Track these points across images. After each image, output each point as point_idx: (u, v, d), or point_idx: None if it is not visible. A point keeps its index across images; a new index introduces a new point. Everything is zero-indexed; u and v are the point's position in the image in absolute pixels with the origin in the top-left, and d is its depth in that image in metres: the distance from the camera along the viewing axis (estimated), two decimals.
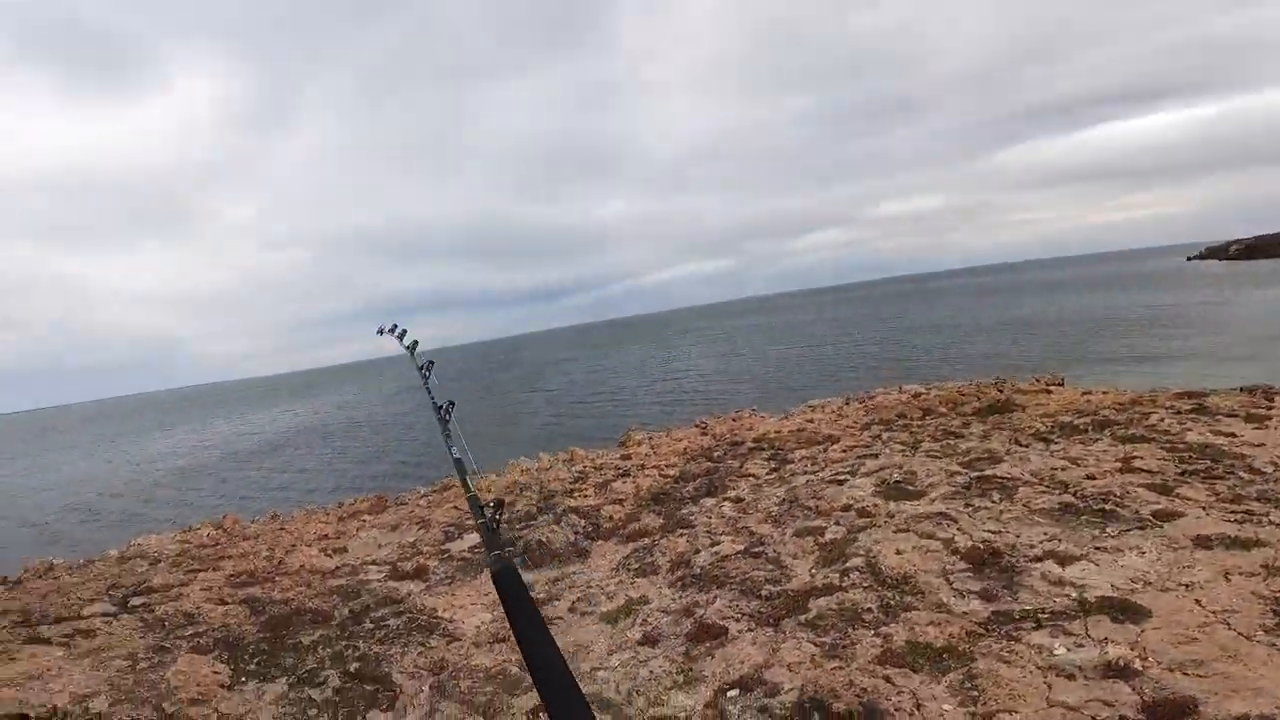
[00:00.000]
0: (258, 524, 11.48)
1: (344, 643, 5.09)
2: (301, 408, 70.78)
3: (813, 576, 4.93)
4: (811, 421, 11.97)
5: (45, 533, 22.87)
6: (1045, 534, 4.89)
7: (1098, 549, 4.48)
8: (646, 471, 9.59)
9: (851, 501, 6.42)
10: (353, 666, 4.69)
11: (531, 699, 3.95)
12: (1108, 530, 4.76)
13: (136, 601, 6.58)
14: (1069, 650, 3.38)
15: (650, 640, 4.43)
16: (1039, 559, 4.47)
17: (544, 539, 7.13)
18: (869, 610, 4.22)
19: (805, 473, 8.16)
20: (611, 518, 7.65)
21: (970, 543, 4.88)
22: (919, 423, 10.11)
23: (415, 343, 2.32)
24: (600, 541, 7.06)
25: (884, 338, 50.20)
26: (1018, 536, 4.89)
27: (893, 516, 5.84)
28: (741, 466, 9.04)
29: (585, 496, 8.69)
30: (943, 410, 10.88)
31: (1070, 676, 3.17)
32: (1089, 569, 4.22)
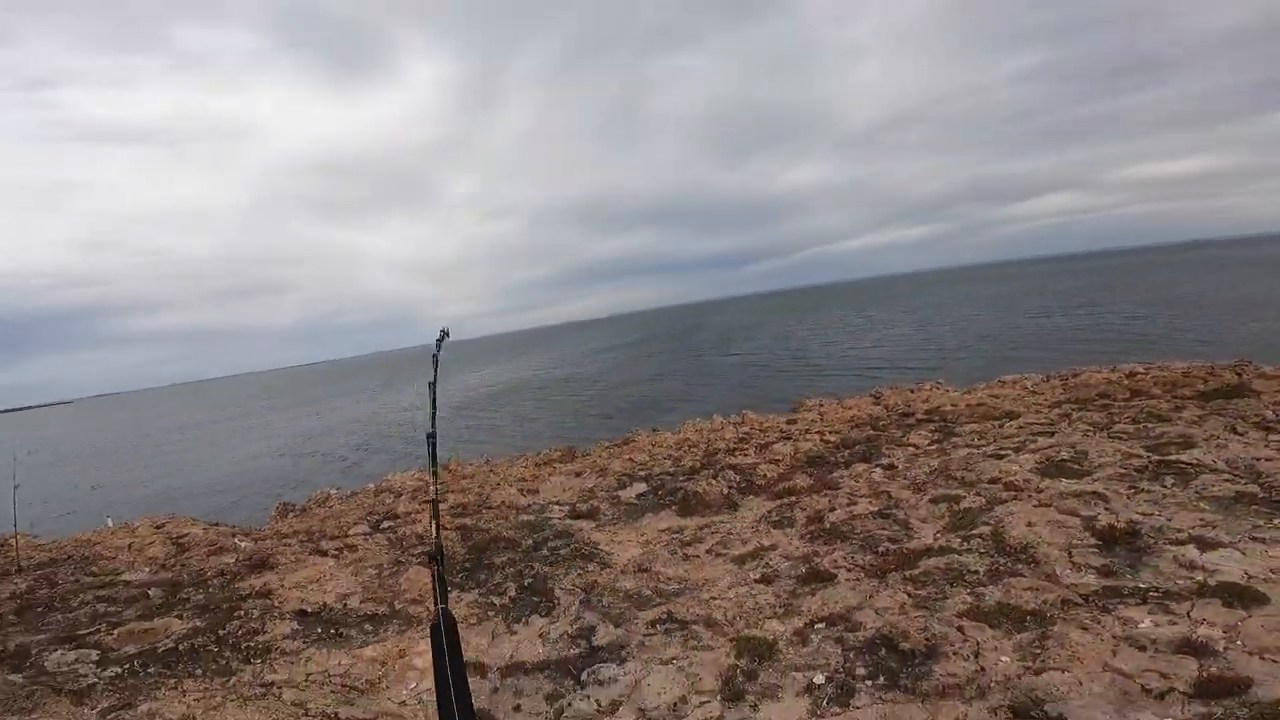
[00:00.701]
0: (474, 466, 13.55)
1: (524, 564, 6.22)
2: (514, 365, 78.42)
3: (934, 540, 5.12)
4: (996, 397, 11.37)
5: (330, 466, 28.34)
6: (1201, 520, 4.60)
7: (1253, 539, 4.19)
8: (809, 437, 9.90)
9: (1002, 475, 6.32)
10: (527, 582, 5.78)
11: (654, 614, 4.71)
12: (1274, 522, 4.38)
13: (385, 525, 8.40)
14: (1155, 626, 3.38)
15: (766, 580, 4.98)
16: (1180, 542, 4.29)
17: (700, 490, 7.86)
18: (974, 573, 4.39)
19: (968, 446, 8.00)
20: (765, 476, 8.16)
21: (1111, 522, 4.75)
22: (1122, 404, 9.27)
23: (444, 332, 2.42)
24: (751, 496, 7.63)
25: (1114, 311, 43.65)
26: (1168, 520, 4.66)
27: (1041, 492, 5.72)
28: (904, 437, 9.03)
29: (745, 455, 9.26)
30: (1156, 393, 9.81)
31: (1141, 648, 3.21)
32: (1231, 556, 4.00)
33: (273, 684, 4.33)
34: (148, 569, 7.39)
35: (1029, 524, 5.02)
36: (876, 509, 5.97)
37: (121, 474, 35.57)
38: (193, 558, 7.67)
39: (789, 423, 11.47)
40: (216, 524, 9.97)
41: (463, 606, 5.35)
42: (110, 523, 10.98)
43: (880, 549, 5.09)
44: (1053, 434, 7.89)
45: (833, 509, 6.25)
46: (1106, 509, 5.03)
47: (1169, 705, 2.92)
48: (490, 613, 5.31)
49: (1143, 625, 3.42)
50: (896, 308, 79.22)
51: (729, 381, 35.74)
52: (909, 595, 4.37)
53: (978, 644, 3.53)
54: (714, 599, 4.82)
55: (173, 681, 4.43)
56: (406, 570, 6.28)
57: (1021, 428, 8.64)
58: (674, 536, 6.46)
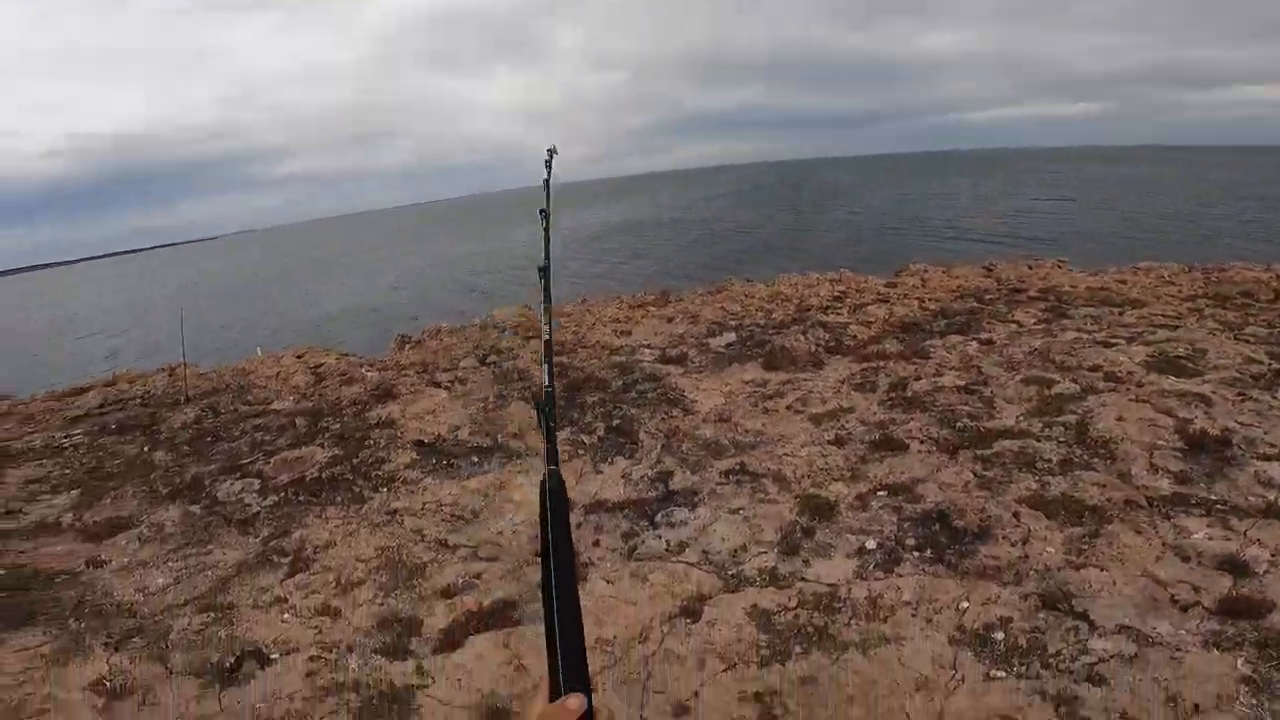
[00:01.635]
0: (571, 306, 14.08)
1: (613, 405, 6.70)
2: (616, 209, 77.70)
3: (1015, 422, 5.18)
4: (1123, 283, 10.58)
5: (442, 300, 30.02)
6: None
7: None
8: (906, 302, 9.71)
9: (1105, 365, 6.14)
10: (615, 423, 6.26)
11: (728, 464, 5.12)
12: None
13: (491, 359, 9.03)
14: (1207, 539, 3.45)
15: (839, 442, 5.26)
16: (1267, 458, 4.19)
17: (788, 346, 8.04)
18: (1046, 461, 4.49)
19: (1078, 330, 7.68)
20: (855, 338, 8.21)
21: (1205, 427, 4.64)
22: (1263, 305, 8.49)
23: (552, 151, 1.79)
24: (838, 356, 7.75)
25: None
26: (1264, 434, 4.51)
27: (1142, 387, 5.57)
28: (1009, 313, 8.71)
29: (838, 315, 9.26)
30: None
31: (1185, 559, 3.33)
32: None
33: (396, 512, 5.10)
34: (292, 398, 8.28)
35: (1119, 418, 4.97)
36: (963, 383, 6.01)
37: (266, 306, 38.77)
38: (328, 387, 8.57)
39: (888, 286, 11.20)
40: (347, 354, 11.03)
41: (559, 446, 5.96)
42: (260, 352, 12.33)
43: (958, 424, 5.21)
44: (1175, 328, 7.42)
45: (918, 378, 6.32)
46: (1206, 413, 4.89)
47: (1187, 618, 3.09)
48: (580, 451, 5.88)
49: (1195, 536, 3.50)
50: (1033, 180, 71.59)
51: (832, 238, 34.42)
52: (975, 474, 4.55)
53: (1029, 532, 3.73)
54: (786, 455, 5.16)
55: (318, 509, 5.26)
56: (509, 405, 6.91)
57: (1142, 318, 8.14)
58: (756, 389, 6.77)
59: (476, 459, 5.96)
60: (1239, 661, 2.82)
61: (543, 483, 1.05)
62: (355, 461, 5.97)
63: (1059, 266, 12.89)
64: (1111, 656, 2.96)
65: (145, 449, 6.93)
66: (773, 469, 5.02)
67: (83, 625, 3.99)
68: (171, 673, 3.53)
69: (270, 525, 5.14)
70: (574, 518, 4.83)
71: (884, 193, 65.46)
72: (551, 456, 1.11)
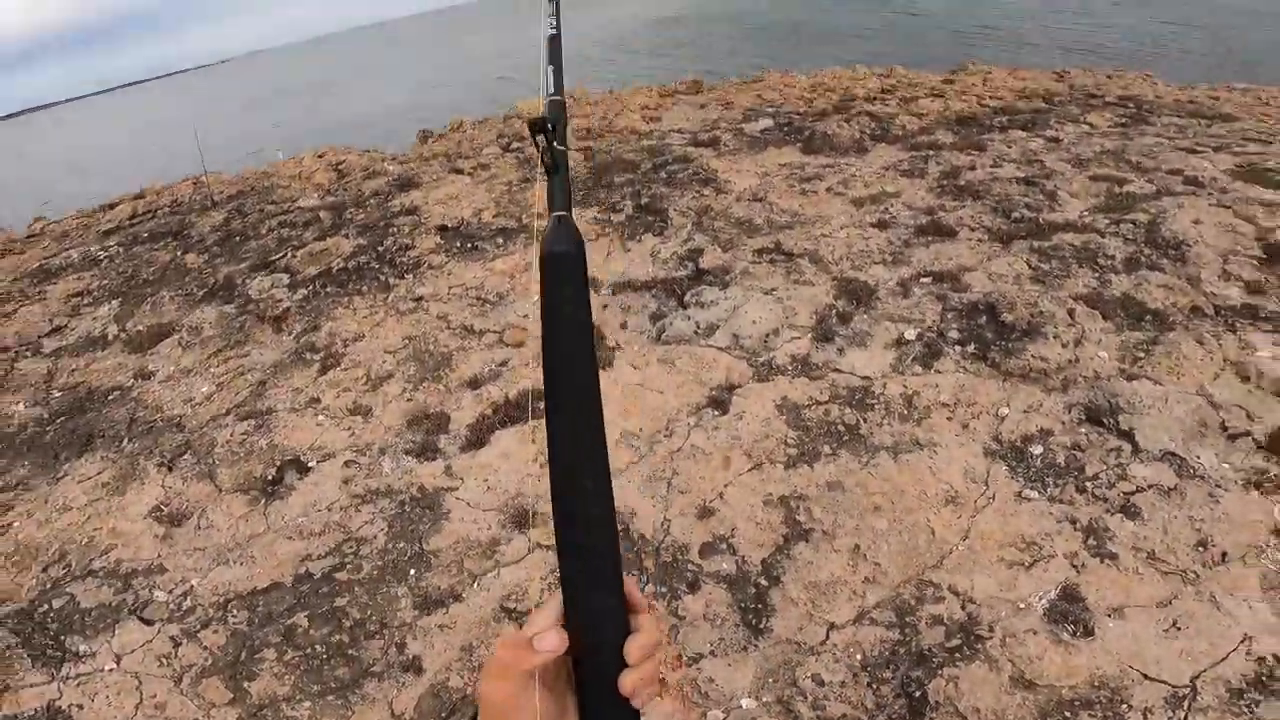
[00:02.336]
0: (599, 93, 12.90)
1: (642, 185, 6.18)
2: (636, 5, 70.20)
3: (1079, 216, 4.69)
4: (1216, 99, 9.43)
5: (467, 96, 27.83)
6: None
7: None
8: (964, 98, 8.72)
9: (1186, 169, 5.49)
10: (644, 201, 5.80)
11: (762, 242, 4.72)
12: None
13: (514, 146, 8.38)
14: (1273, 359, 3.13)
15: (882, 225, 4.81)
16: None
17: (830, 132, 7.29)
18: (1110, 258, 4.07)
19: (1159, 135, 6.88)
20: (904, 127, 7.42)
21: None
22: None
23: None
24: (884, 144, 7.04)
25: None
26: None
27: (1225, 193, 4.98)
28: (1082, 115, 7.80)
29: (886, 105, 8.36)
30: None
31: (1245, 378, 3.05)
32: None
33: (421, 298, 4.84)
34: (316, 195, 7.91)
35: (1195, 221, 4.47)
36: (1023, 175, 5.41)
37: (286, 116, 36.43)
38: (351, 182, 8.11)
39: (944, 82, 10.05)
40: (368, 150, 10.30)
41: (581, 223, 5.50)
42: (281, 155, 11.54)
43: (1014, 215, 4.73)
44: (1270, 143, 6.62)
45: (972, 168, 5.72)
46: None
47: (1234, 449, 2.86)
48: (607, 229, 5.49)
49: (1260, 353, 3.18)
50: None
51: (881, 38, 31.09)
52: (1029, 266, 4.16)
53: (1083, 332, 3.41)
54: (824, 236, 4.75)
55: (345, 300, 5.07)
56: (533, 186, 6.42)
57: (1233, 131, 7.27)
58: (794, 171, 6.19)
59: (501, 240, 5.68)
60: (1276, 509, 2.63)
61: (544, 240, 0.69)
62: (380, 250, 5.75)
63: (1146, 77, 11.52)
64: (1150, 486, 2.80)
65: (178, 253, 6.78)
66: (809, 249, 4.64)
67: (136, 445, 4.07)
68: (220, 490, 3.61)
69: (302, 320, 5.04)
70: (600, 298, 4.57)
71: None
72: (558, 199, 0.73)
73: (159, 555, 3.28)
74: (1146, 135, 6.76)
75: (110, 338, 5.40)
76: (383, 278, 5.39)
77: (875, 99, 8.82)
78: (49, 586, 3.19)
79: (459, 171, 7.50)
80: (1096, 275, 4.04)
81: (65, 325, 5.75)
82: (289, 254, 5.99)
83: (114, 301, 5.98)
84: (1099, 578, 2.51)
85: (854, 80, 10.66)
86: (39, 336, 5.64)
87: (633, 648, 0.61)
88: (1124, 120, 7.57)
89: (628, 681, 0.59)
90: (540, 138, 0.74)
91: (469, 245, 5.65)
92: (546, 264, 0.69)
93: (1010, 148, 6.31)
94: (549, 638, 0.60)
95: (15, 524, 3.62)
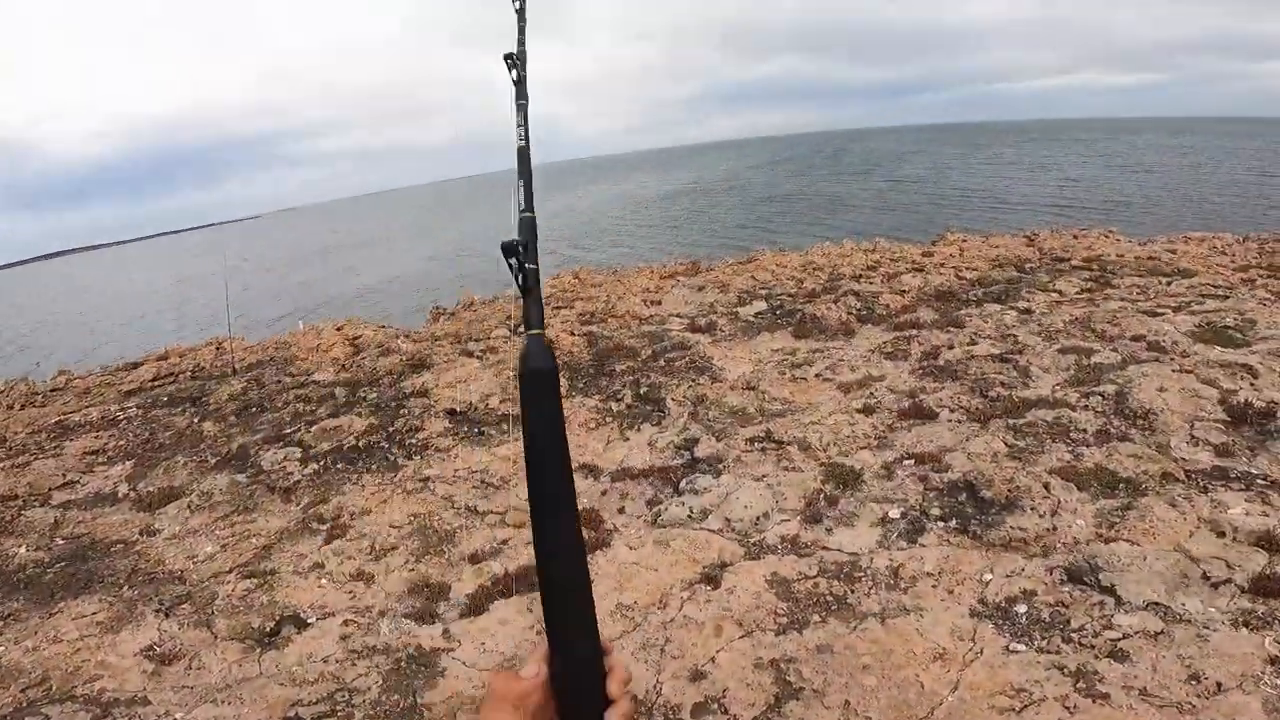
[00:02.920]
0: (602, 275, 14.06)
1: (641, 373, 6.70)
2: (650, 180, 76.97)
3: (1051, 392, 5.06)
4: (1174, 253, 10.19)
5: (477, 270, 30.25)
6: None
7: None
8: (942, 271, 9.50)
9: (1149, 334, 5.95)
10: (643, 390, 6.27)
11: (754, 431, 5.12)
12: None
13: (520, 329, 9.08)
14: (1245, 515, 3.35)
15: (867, 410, 5.21)
16: None
17: (819, 314, 7.95)
18: (1082, 432, 4.39)
19: (1123, 299, 7.44)
20: (888, 306, 8.07)
21: (1250, 399, 4.48)
22: None
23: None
24: (870, 325, 7.64)
25: None
26: None
27: (1187, 357, 5.39)
28: (1051, 282, 8.47)
29: (870, 284, 9.10)
30: None
31: (1220, 534, 3.24)
32: None
33: (429, 479, 5.20)
34: (332, 369, 8.37)
35: (1160, 389, 4.82)
36: (998, 352, 5.88)
37: (311, 279, 39.54)
38: (366, 358, 8.65)
39: (924, 255, 10.95)
40: (383, 326, 11.18)
41: (583, 411, 5.99)
42: (302, 325, 12.57)
43: (990, 393, 5.12)
44: (1225, 298, 7.15)
45: (951, 346, 6.21)
46: (1252, 384, 4.72)
47: (1218, 595, 3.01)
48: (608, 418, 5.92)
49: (1233, 511, 3.41)
50: (1082, 151, 68.76)
51: (868, 207, 33.69)
52: (1006, 445, 4.47)
53: (1059, 503, 3.67)
54: (813, 423, 5.13)
55: (355, 477, 5.37)
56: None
57: (1191, 287, 7.85)
58: (785, 357, 6.72)
59: (507, 426, 6.05)
60: (1267, 640, 2.75)
61: (521, 358, 0.80)
62: (391, 430, 6.09)
63: (1107, 235, 12.46)
64: (1136, 633, 2.91)
65: (195, 420, 7.11)
66: (798, 437, 5.00)
67: (136, 592, 4.15)
68: (216, 637, 3.69)
69: (310, 493, 5.29)
70: (600, 485, 4.88)
71: (924, 161, 63.85)
72: (532, 318, 0.83)
73: (145, 689, 3.27)
74: (1111, 300, 7.33)
75: (120, 495, 5.52)
76: (392, 457, 5.67)
77: (861, 276, 9.63)
78: (24, 705, 3.18)
79: (469, 354, 8.05)
80: (1070, 449, 4.33)
81: (77, 480, 5.87)
82: (303, 428, 6.26)
83: (128, 462, 6.16)
84: (1092, 716, 2.57)
85: (842, 257, 11.64)
86: (50, 489, 5.67)
87: (613, 685, 0.75)
88: (1089, 284, 8.21)
89: (615, 716, 0.73)
90: (513, 260, 0.82)
91: (475, 430, 6.03)
92: (525, 380, 0.80)
93: (986, 322, 6.86)
94: (531, 667, 0.76)
95: (1, 649, 3.62)
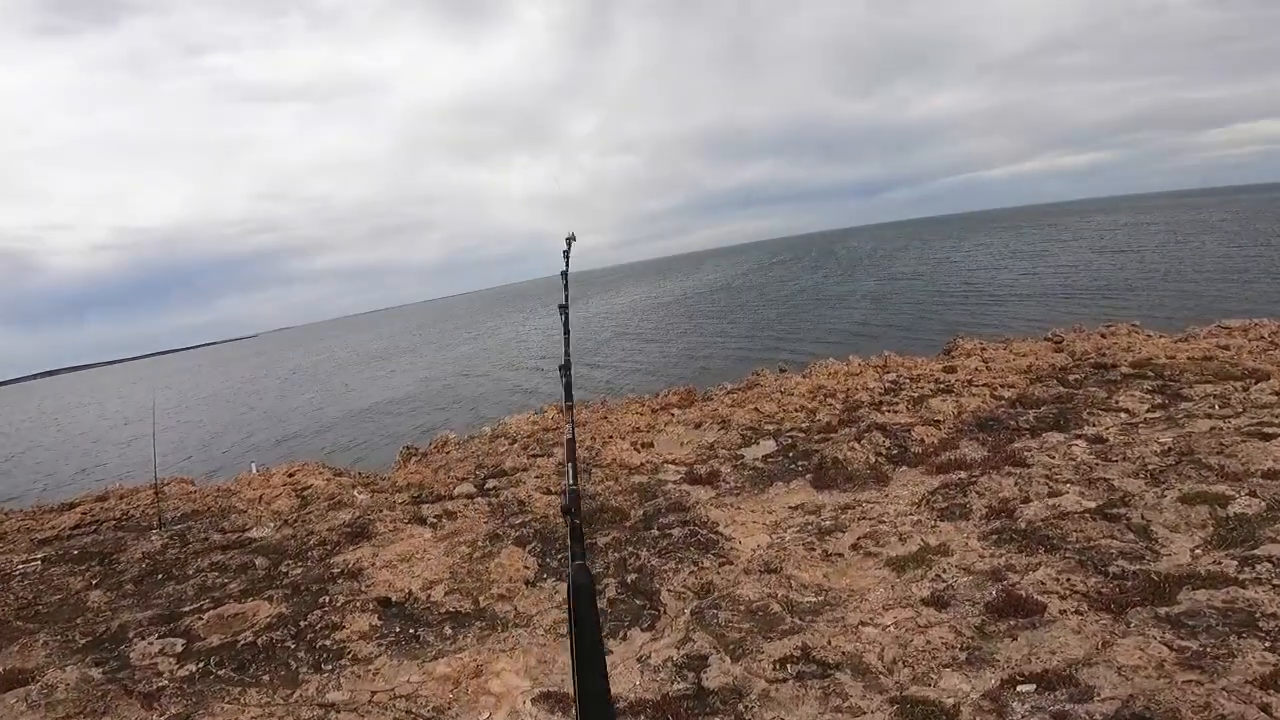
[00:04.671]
0: (587, 411, 12.80)
1: (630, 548, 5.20)
2: (639, 293, 78.35)
3: (1195, 559, 3.61)
4: (1226, 348, 9.01)
5: (457, 402, 29.32)
6: None
7: None
8: (974, 389, 8.23)
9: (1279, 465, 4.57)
10: (630, 578, 4.75)
11: (785, 646, 3.60)
12: None
13: (490, 484, 7.60)
14: None
15: (939, 602, 3.71)
16: None
17: (841, 457, 6.58)
18: (1272, 616, 2.92)
19: (1209, 415, 6.13)
20: (923, 441, 6.72)
21: None
22: None
23: (570, 239, 2.40)
24: (905, 468, 6.26)
25: None
26: None
27: None
28: (1110, 398, 7.18)
29: (895, 412, 7.79)
30: None
31: None
32: None
33: (333, 705, 3.66)
34: (272, 524, 7.25)
35: None
36: (1094, 505, 4.45)
37: (295, 408, 39.00)
38: (312, 513, 7.40)
39: (946, 371, 9.73)
40: (339, 474, 9.81)
41: (555, 611, 4.51)
42: (254, 469, 11.36)
43: (1111, 569, 3.65)
44: None
45: (1026, 499, 4.79)
46: None
47: None
48: None
49: None
50: (1059, 235, 70.57)
51: (865, 312, 33.26)
52: (1170, 648, 2.98)
53: None
54: (865, 625, 3.63)
55: (236, 690, 3.92)
56: (500, 553, 5.49)
57: (1277, 394, 6.57)
58: (809, 518, 5.28)
59: (449, 630, 4.52)
60: None
61: (569, 579, 1.32)
62: (302, 625, 4.63)
63: (1135, 331, 11.35)
64: None
65: (90, 584, 5.94)
66: (849, 651, 3.48)
67: None
68: None
69: (177, 702, 3.88)
70: None
71: (909, 258, 65.19)
72: (577, 551, 1.38)
73: None
74: (1196, 418, 6.01)
75: None
76: (293, 666, 4.16)
77: (881, 403, 8.34)
78: None
79: (421, 521, 6.56)
80: (1268, 645, 2.85)
81: None
82: (203, 609, 4.96)
83: None
84: None
85: (852, 378, 10.40)
86: None
87: None
88: (1158, 400, 6.92)
89: None
90: (567, 517, 1.56)
91: (409, 632, 4.49)
92: (576, 592, 1.40)
93: (1054, 458, 5.48)
94: None
95: None
